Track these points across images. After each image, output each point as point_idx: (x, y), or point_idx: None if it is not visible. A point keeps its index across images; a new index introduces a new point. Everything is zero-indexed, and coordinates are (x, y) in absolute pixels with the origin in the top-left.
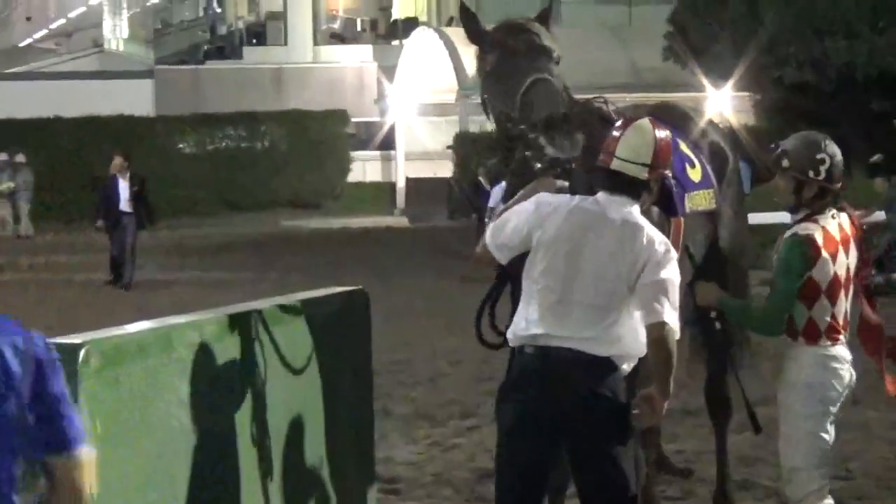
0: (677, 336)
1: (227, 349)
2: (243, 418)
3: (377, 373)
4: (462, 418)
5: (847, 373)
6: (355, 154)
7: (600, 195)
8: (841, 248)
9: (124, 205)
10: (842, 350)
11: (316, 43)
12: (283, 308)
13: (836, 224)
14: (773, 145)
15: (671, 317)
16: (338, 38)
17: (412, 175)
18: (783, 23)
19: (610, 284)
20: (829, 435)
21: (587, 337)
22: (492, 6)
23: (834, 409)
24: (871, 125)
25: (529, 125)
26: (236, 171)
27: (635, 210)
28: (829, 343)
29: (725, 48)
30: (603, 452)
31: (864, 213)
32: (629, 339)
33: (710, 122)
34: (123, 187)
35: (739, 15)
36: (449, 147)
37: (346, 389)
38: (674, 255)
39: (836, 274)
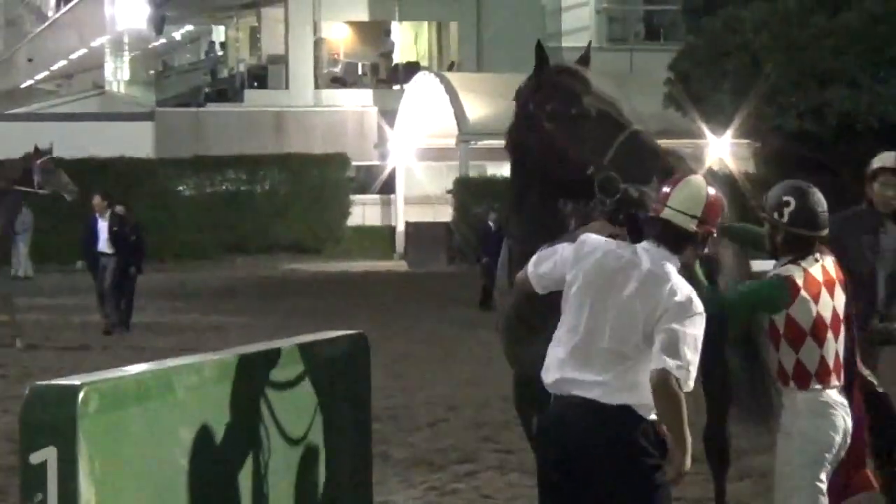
0: (685, 388)
1: (227, 392)
2: (242, 461)
3: (376, 418)
4: (460, 464)
5: (842, 419)
6: (355, 198)
7: (645, 243)
8: (825, 290)
9: (103, 245)
10: (835, 395)
11: (317, 86)
12: (284, 352)
13: (819, 267)
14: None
15: (675, 366)
16: (339, 81)
17: (412, 219)
18: (784, 72)
19: (628, 330)
20: (824, 484)
21: (602, 382)
22: (492, 55)
23: (829, 457)
24: None
25: (622, 175)
26: (236, 215)
27: (672, 261)
28: (820, 387)
29: (726, 96)
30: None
31: None
32: (646, 388)
33: (709, 170)
34: (103, 227)
35: (740, 64)
36: (449, 191)
37: (345, 433)
38: (700, 310)
39: (819, 315)
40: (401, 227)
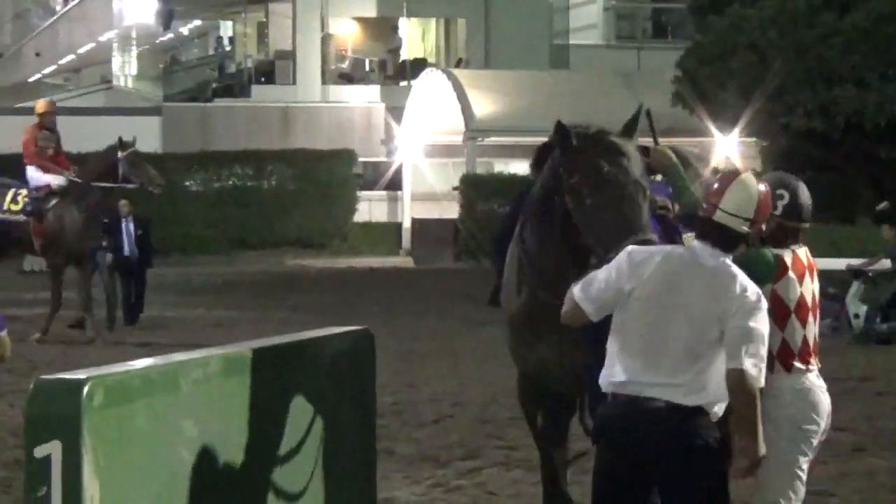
0: (759, 384)
1: (232, 387)
2: (247, 456)
3: (381, 413)
4: (465, 460)
5: (825, 403)
6: (362, 194)
7: (697, 244)
8: (807, 273)
9: (128, 249)
10: (815, 377)
11: (324, 82)
12: (289, 347)
13: (802, 251)
14: None
15: (752, 364)
16: (346, 77)
17: (418, 216)
18: (792, 71)
19: (700, 331)
20: (805, 472)
21: (677, 384)
22: (500, 52)
23: (814, 443)
24: (878, 173)
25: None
26: (243, 210)
27: (728, 260)
28: (803, 367)
29: (733, 94)
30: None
31: (871, 261)
32: (717, 386)
33: (715, 169)
34: (127, 231)
35: (747, 62)
36: (455, 188)
37: (350, 429)
38: (764, 305)
39: (803, 296)
40: (407, 224)
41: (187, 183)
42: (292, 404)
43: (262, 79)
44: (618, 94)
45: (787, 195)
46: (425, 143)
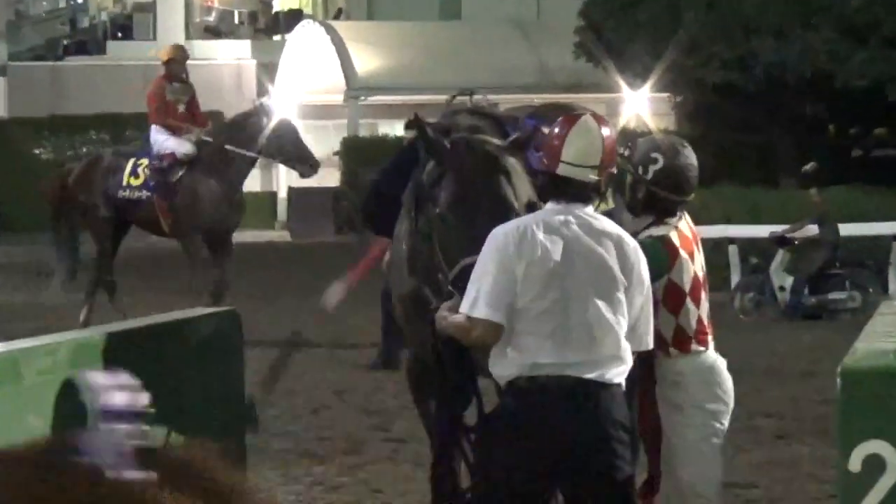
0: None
1: None
2: None
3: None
4: (347, 455)
5: (729, 380)
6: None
7: (551, 206)
8: (694, 247)
9: None
10: (714, 355)
11: (188, 37)
12: (146, 331)
13: (684, 224)
14: None
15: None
16: (213, 32)
17: (295, 184)
18: (706, 22)
19: (606, 299)
20: (720, 454)
21: (593, 360)
22: (384, 2)
23: (725, 424)
24: (803, 131)
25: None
26: None
27: (603, 217)
28: (701, 348)
29: (642, 47)
30: (619, 491)
31: (795, 227)
32: (628, 356)
33: (625, 128)
34: None
35: (656, 13)
36: (336, 153)
37: (215, 422)
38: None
39: (695, 274)
40: (283, 194)
41: (37, 151)
42: (151, 394)
43: (120, 34)
44: (515, 47)
45: (661, 160)
46: (302, 103)
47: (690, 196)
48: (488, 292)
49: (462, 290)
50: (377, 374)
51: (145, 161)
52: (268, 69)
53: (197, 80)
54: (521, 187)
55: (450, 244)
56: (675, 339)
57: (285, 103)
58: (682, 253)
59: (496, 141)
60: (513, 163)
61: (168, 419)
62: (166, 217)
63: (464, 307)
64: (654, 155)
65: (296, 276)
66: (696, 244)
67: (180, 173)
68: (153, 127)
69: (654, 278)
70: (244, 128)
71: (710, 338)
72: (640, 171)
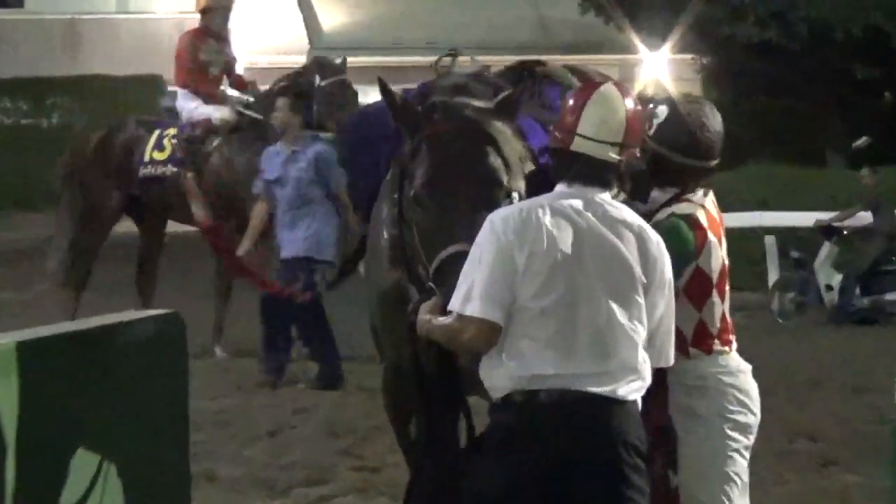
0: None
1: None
2: (20, 475)
3: (198, 426)
4: (309, 485)
5: (755, 388)
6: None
7: (561, 188)
8: (722, 232)
9: None
10: (738, 358)
11: None
12: (70, 338)
13: (711, 202)
14: None
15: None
16: None
17: None
18: None
19: (621, 300)
20: (745, 474)
21: (604, 372)
22: None
23: (751, 439)
24: (853, 99)
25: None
26: (16, 157)
27: (621, 205)
28: (725, 349)
29: None
30: None
31: (845, 214)
32: (646, 370)
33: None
34: None
35: None
36: None
37: (155, 444)
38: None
39: (723, 262)
40: None
41: None
42: (76, 414)
43: None
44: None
45: (665, 110)
46: (254, 65)
47: (709, 162)
48: (484, 287)
49: (443, 286)
50: (344, 390)
51: (173, 131)
52: None
53: (131, 37)
54: (513, 158)
55: (428, 231)
56: (696, 337)
57: (239, 66)
58: (711, 236)
59: (480, 103)
60: (500, 128)
61: (99, 441)
62: (195, 199)
63: (454, 304)
64: (660, 108)
65: None
66: (722, 229)
67: (215, 143)
68: (181, 92)
69: (680, 265)
70: (298, 93)
71: (733, 338)
72: (646, 127)
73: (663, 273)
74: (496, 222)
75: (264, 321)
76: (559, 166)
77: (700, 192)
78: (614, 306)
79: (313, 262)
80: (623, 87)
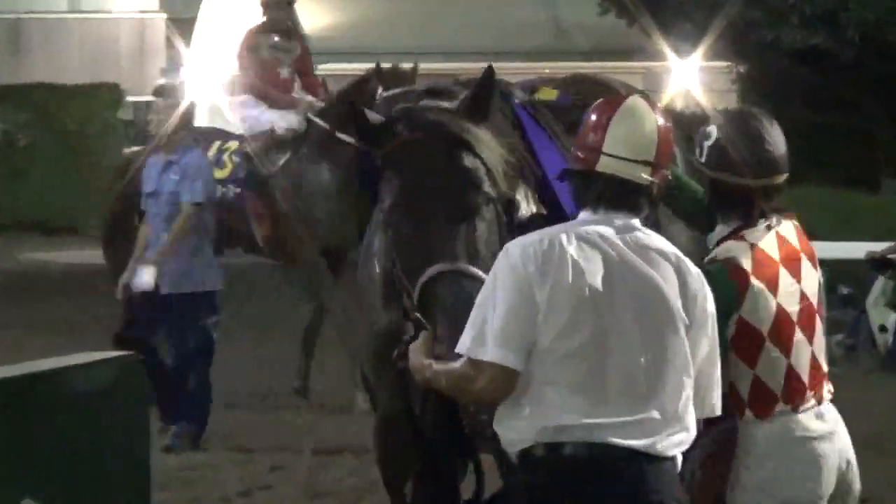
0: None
1: None
2: None
3: (163, 483)
4: None
5: (832, 457)
6: (134, 151)
7: (586, 215)
8: (784, 271)
9: None
10: (812, 421)
11: None
12: (19, 383)
13: (772, 238)
14: None
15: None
16: None
17: None
18: None
19: (659, 340)
20: None
21: (639, 422)
22: None
23: None
24: None
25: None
26: None
27: (654, 233)
28: (788, 410)
29: None
30: None
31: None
32: (691, 420)
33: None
34: None
35: None
36: None
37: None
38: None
39: (781, 308)
40: None
41: None
42: (23, 462)
43: None
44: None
45: (715, 132)
46: (229, 74)
47: (774, 179)
48: (499, 326)
49: (430, 316)
50: (328, 444)
51: (233, 144)
52: (181, 26)
53: (84, 39)
54: (493, 159)
55: (405, 256)
56: (753, 397)
57: (205, 73)
58: (755, 281)
59: (448, 103)
60: (471, 128)
61: (47, 487)
62: (262, 225)
63: (463, 345)
64: (708, 129)
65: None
66: (794, 266)
67: (283, 159)
68: (244, 99)
69: (720, 317)
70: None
71: (809, 396)
72: (697, 153)
73: (705, 309)
74: (513, 252)
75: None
76: (582, 190)
77: (769, 221)
78: (651, 346)
79: (197, 298)
80: (650, 99)
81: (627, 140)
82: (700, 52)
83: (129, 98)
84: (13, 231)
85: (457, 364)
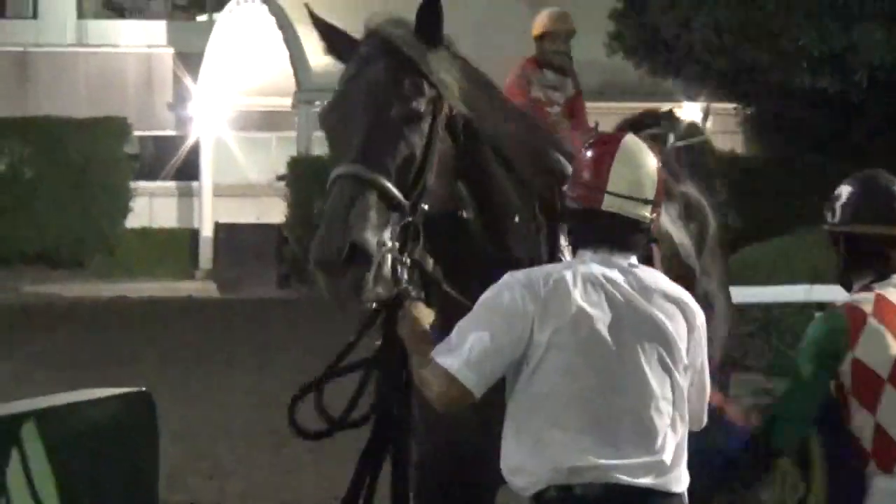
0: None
1: None
2: None
3: None
4: None
5: None
6: (139, 185)
7: (587, 253)
8: None
9: None
10: None
11: (81, 16)
12: (24, 420)
13: None
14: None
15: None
16: (115, 9)
17: (225, 219)
18: (789, 5)
19: (665, 379)
20: None
21: (651, 462)
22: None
23: None
24: None
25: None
26: None
27: (653, 271)
28: None
29: (700, 37)
30: None
31: None
32: (682, 457)
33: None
34: None
35: None
36: (280, 178)
37: None
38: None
39: None
40: (207, 231)
41: None
42: (33, 496)
43: None
44: (525, 34)
45: (845, 191)
46: (235, 108)
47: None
48: (477, 351)
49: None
50: (335, 483)
51: None
52: (189, 60)
53: (91, 73)
54: (441, 74)
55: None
56: (876, 446)
57: (212, 108)
58: (874, 321)
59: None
60: (420, 47)
61: None
62: None
63: (438, 349)
64: (837, 191)
65: (224, 343)
66: None
67: None
68: None
69: (829, 364)
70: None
71: None
72: (829, 217)
73: (700, 342)
74: (515, 284)
75: None
76: (582, 228)
77: (893, 278)
78: (658, 388)
79: None
80: (644, 138)
81: (631, 179)
82: (705, 92)
83: (136, 132)
84: (17, 264)
85: (427, 348)
